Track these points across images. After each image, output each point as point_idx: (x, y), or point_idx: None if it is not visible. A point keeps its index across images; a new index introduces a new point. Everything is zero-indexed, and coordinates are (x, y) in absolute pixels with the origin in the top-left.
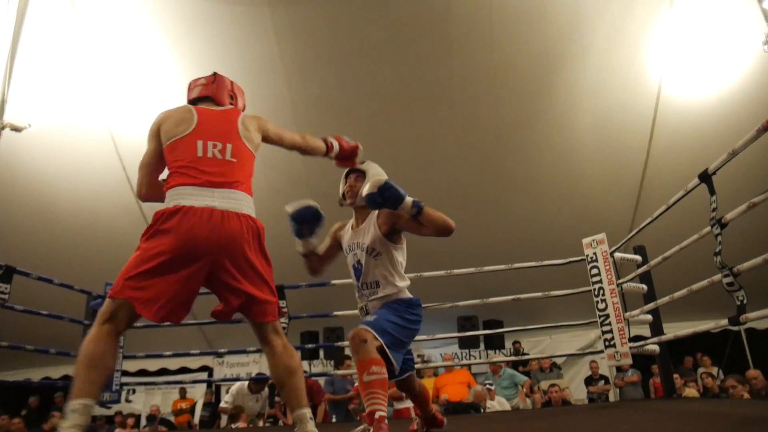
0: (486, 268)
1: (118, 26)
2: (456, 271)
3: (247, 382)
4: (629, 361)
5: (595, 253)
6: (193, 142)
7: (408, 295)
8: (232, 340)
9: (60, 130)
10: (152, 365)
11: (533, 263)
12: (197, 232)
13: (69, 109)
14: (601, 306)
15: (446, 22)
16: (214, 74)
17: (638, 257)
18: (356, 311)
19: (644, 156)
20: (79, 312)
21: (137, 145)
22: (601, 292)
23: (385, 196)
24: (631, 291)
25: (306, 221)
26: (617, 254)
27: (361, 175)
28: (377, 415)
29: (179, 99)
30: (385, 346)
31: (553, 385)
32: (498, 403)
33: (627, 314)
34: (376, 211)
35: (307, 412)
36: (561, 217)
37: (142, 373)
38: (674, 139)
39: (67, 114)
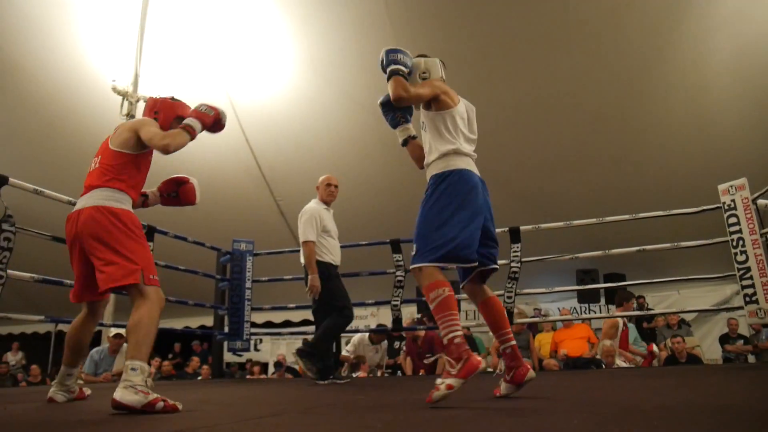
0: (608, 219)
1: None
2: (576, 222)
3: (367, 334)
4: None
5: (733, 200)
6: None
7: (447, 165)
8: (352, 293)
9: (185, 99)
10: (277, 317)
11: (661, 212)
12: (66, 230)
13: (192, 79)
14: (741, 258)
15: None
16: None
17: None
18: None
19: None
20: (211, 267)
21: (255, 110)
22: (741, 242)
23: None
24: None
25: (397, 107)
26: (761, 201)
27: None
28: (448, 339)
29: (291, 62)
30: (421, 264)
31: (675, 336)
32: (621, 361)
33: None
34: None
35: (131, 364)
36: (692, 162)
37: (268, 324)
38: None
39: (191, 84)
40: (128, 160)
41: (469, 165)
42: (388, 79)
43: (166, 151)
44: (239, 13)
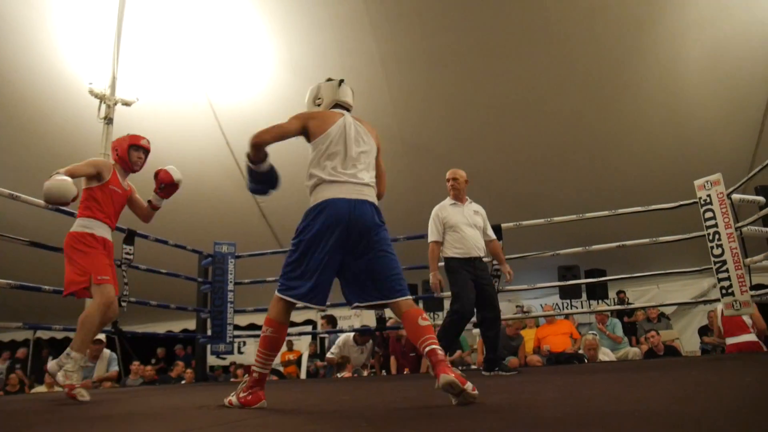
0: (588, 215)
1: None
2: (556, 218)
3: (352, 334)
4: (750, 310)
5: (709, 195)
6: None
7: (315, 198)
8: (334, 294)
9: (164, 102)
10: (260, 319)
11: (639, 208)
12: None
13: (171, 82)
14: (717, 252)
15: None
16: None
17: (761, 198)
18: None
19: (767, 87)
20: (193, 270)
21: (235, 112)
22: (717, 236)
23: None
24: (753, 235)
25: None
26: (735, 195)
27: None
28: (255, 374)
29: (270, 64)
30: (277, 294)
31: (650, 330)
32: (604, 354)
33: (747, 260)
34: None
35: (69, 353)
36: (669, 159)
37: (252, 327)
38: None
39: (170, 87)
40: (88, 194)
41: (341, 193)
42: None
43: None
44: (218, 14)
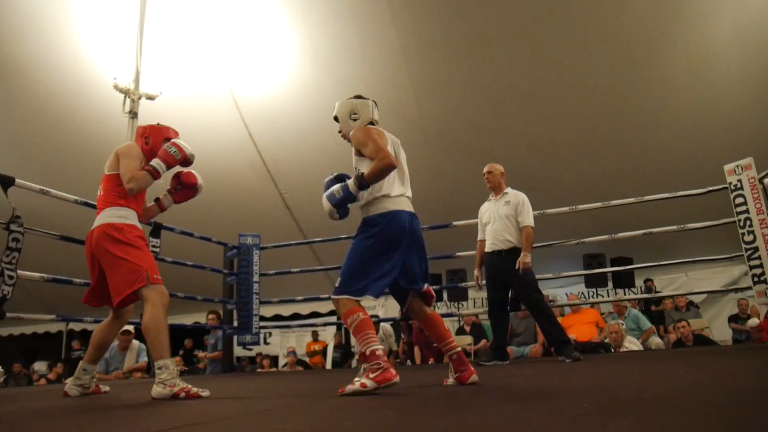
0: (614, 202)
1: None
2: (581, 206)
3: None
4: None
5: (740, 180)
6: None
7: (376, 209)
8: None
9: (187, 95)
10: (286, 310)
11: (666, 194)
12: (85, 248)
13: (193, 75)
14: (748, 238)
15: None
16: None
17: None
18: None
19: None
20: (218, 262)
21: (257, 104)
22: (748, 222)
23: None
24: None
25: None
26: None
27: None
28: (369, 350)
29: (291, 55)
30: (338, 293)
31: (680, 320)
32: (630, 343)
33: None
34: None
35: (156, 364)
36: (698, 142)
37: (277, 317)
38: None
39: (192, 80)
40: (118, 181)
41: (402, 206)
42: (361, 182)
43: (130, 192)
44: (239, 6)
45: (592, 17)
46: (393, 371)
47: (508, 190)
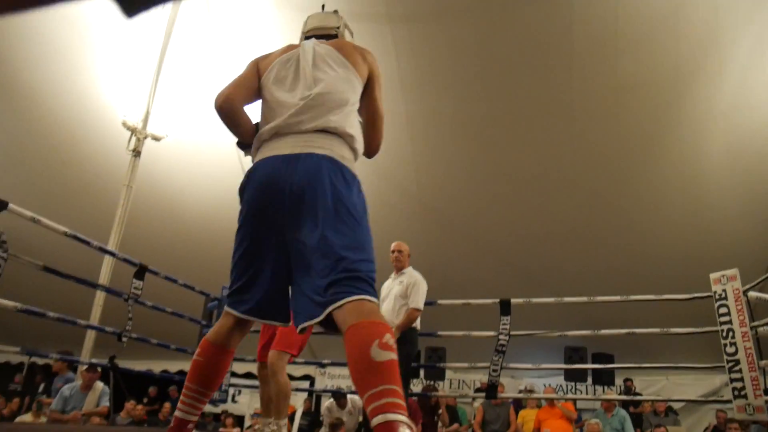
0: (599, 298)
1: (246, 39)
2: (566, 299)
3: (332, 399)
4: (765, 417)
5: (724, 290)
6: None
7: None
8: (336, 351)
9: (192, 141)
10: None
11: (652, 296)
12: None
13: (200, 121)
14: (730, 350)
15: (568, 39)
16: None
17: None
18: (461, 333)
19: None
20: (198, 311)
21: None
22: (731, 334)
23: None
24: None
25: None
26: (752, 293)
27: None
28: None
29: None
30: None
31: (659, 425)
32: None
33: (763, 362)
34: None
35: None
36: (685, 248)
37: (249, 375)
38: None
39: (198, 126)
40: None
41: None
42: None
43: None
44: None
45: (590, 116)
46: None
47: (407, 270)
